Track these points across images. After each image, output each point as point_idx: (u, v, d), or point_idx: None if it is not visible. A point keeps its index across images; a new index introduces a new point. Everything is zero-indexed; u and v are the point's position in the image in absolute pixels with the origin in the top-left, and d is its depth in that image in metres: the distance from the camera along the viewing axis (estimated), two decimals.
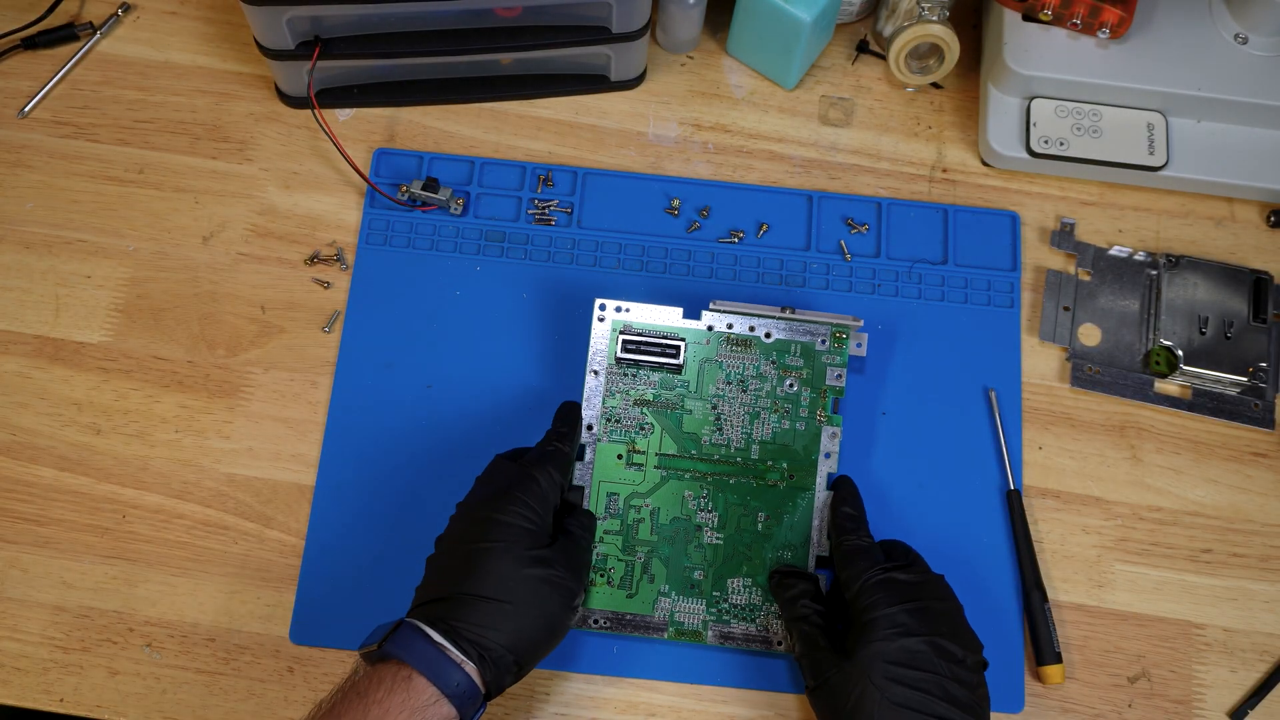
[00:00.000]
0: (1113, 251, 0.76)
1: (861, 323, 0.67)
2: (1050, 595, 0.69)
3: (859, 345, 0.68)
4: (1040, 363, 0.74)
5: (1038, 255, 0.77)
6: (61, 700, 0.66)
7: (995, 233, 0.77)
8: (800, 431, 0.67)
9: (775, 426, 0.67)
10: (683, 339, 0.67)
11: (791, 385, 0.67)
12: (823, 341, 0.67)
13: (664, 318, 0.67)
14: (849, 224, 0.77)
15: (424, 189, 0.75)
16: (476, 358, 0.72)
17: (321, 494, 0.70)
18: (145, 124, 0.78)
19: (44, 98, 0.79)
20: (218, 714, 0.66)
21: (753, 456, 0.67)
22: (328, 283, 0.74)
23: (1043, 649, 0.67)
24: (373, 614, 0.64)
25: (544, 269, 0.75)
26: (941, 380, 0.73)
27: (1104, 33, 0.75)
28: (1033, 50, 0.76)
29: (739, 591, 0.66)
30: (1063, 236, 0.77)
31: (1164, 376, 0.73)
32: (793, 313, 0.67)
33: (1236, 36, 0.77)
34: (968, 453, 0.71)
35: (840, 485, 0.66)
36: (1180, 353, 0.73)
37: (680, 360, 0.67)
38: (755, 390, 0.67)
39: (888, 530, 0.69)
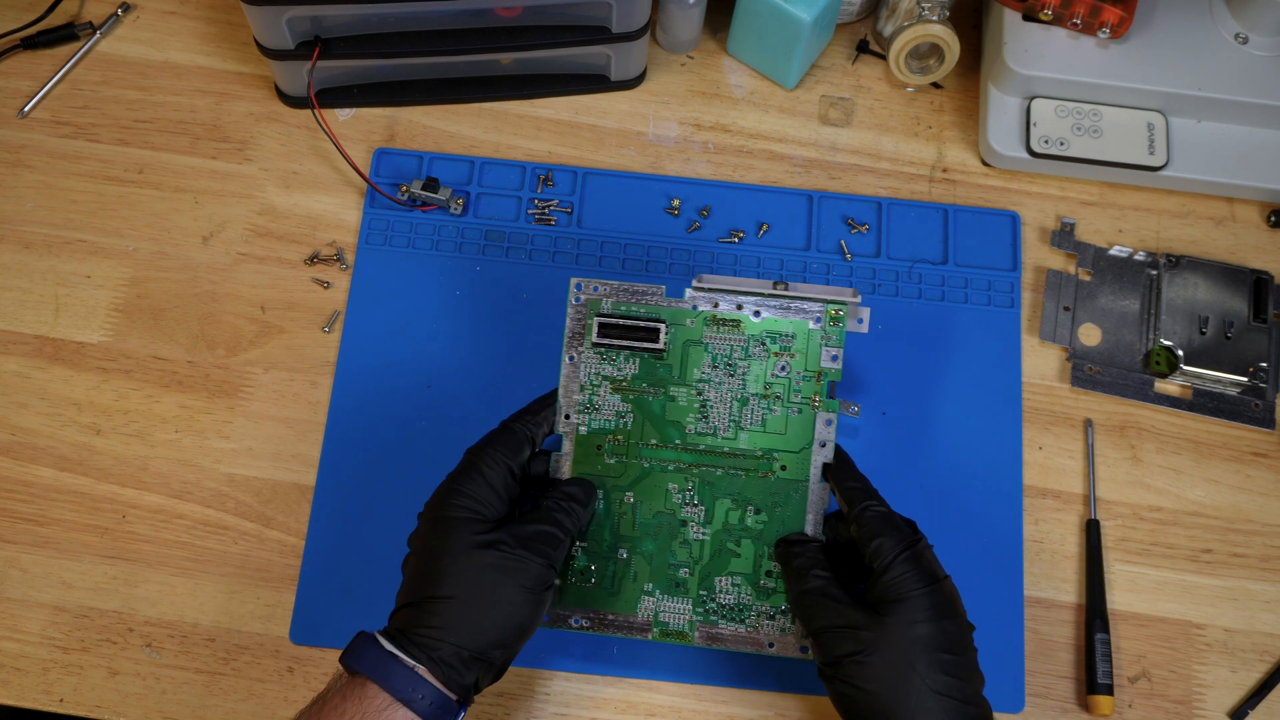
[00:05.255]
0: (1113, 251, 0.76)
1: (859, 296, 0.62)
2: (1050, 596, 0.69)
3: (860, 321, 0.62)
4: (1040, 363, 0.74)
5: (1038, 255, 0.77)
6: (61, 700, 0.66)
7: (995, 233, 0.77)
8: (793, 419, 0.62)
9: (765, 413, 0.62)
10: (663, 320, 0.63)
11: (783, 368, 0.62)
12: (816, 320, 0.62)
13: (644, 297, 0.63)
14: (849, 224, 0.77)
15: (424, 189, 0.75)
16: (476, 358, 0.72)
17: (321, 494, 0.70)
18: (145, 124, 0.78)
19: (44, 98, 0.79)
20: (218, 714, 0.66)
21: (741, 446, 0.62)
22: (328, 283, 0.74)
23: (1092, 678, 0.66)
24: (373, 614, 0.64)
25: (544, 269, 0.75)
26: (941, 380, 0.73)
27: (1104, 33, 0.75)
28: (1033, 50, 0.76)
29: (727, 591, 0.62)
30: (1063, 236, 0.77)
31: (1164, 376, 0.73)
32: (785, 288, 0.62)
33: (1236, 36, 0.77)
34: (968, 453, 0.71)
35: (838, 460, 0.62)
36: (1180, 353, 0.73)
37: (660, 344, 0.62)
38: (743, 374, 0.62)
39: None
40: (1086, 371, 0.73)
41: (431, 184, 0.75)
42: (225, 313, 0.74)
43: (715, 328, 0.63)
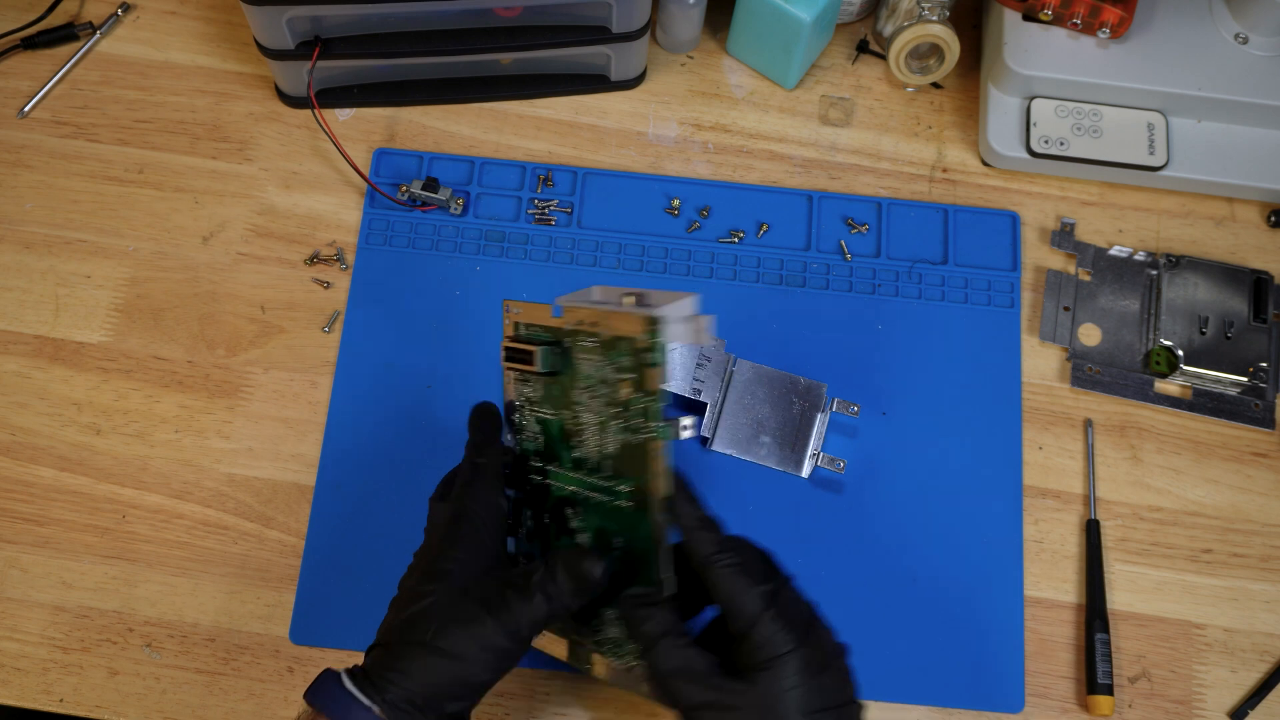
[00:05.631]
0: (1113, 251, 0.76)
1: (692, 297, 0.55)
2: (1050, 596, 0.69)
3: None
4: (1040, 363, 0.74)
5: (1038, 255, 0.77)
6: (61, 700, 0.66)
7: (995, 233, 0.77)
8: (632, 444, 0.55)
9: (619, 437, 0.56)
10: (537, 342, 0.59)
11: (624, 390, 0.55)
12: (648, 334, 0.54)
13: (541, 316, 0.59)
14: (849, 224, 0.77)
15: (424, 189, 0.75)
16: (476, 358, 0.72)
17: (321, 494, 0.70)
18: (145, 124, 0.78)
19: (44, 98, 0.79)
20: (218, 714, 0.66)
21: (603, 473, 0.57)
22: (328, 283, 0.74)
23: (1092, 678, 0.66)
24: (373, 614, 0.64)
25: (544, 269, 0.75)
26: (941, 380, 0.73)
27: (1104, 32, 0.75)
28: (1033, 50, 0.76)
29: (611, 624, 0.57)
30: (1063, 236, 0.77)
31: (1164, 376, 0.73)
32: (636, 299, 0.56)
33: (1236, 36, 0.77)
34: (968, 453, 0.71)
35: (678, 492, 0.55)
36: (1180, 353, 0.73)
37: (534, 365, 0.58)
38: (602, 396, 0.56)
39: (892, 531, 0.69)
40: (1086, 371, 0.73)
41: (431, 184, 0.75)
42: (225, 313, 0.74)
43: (585, 347, 0.57)
